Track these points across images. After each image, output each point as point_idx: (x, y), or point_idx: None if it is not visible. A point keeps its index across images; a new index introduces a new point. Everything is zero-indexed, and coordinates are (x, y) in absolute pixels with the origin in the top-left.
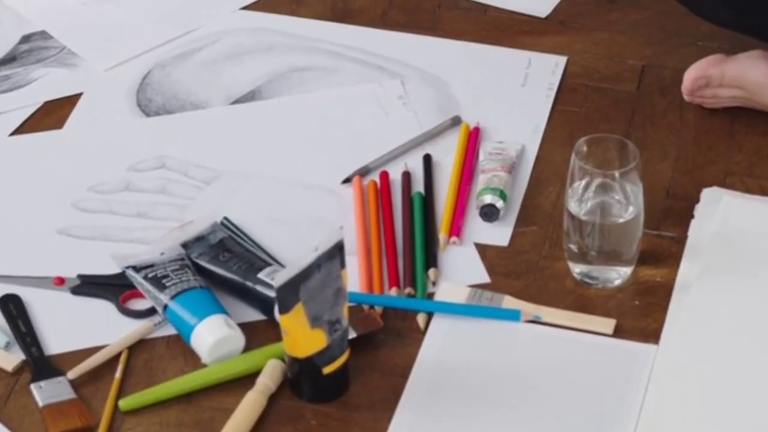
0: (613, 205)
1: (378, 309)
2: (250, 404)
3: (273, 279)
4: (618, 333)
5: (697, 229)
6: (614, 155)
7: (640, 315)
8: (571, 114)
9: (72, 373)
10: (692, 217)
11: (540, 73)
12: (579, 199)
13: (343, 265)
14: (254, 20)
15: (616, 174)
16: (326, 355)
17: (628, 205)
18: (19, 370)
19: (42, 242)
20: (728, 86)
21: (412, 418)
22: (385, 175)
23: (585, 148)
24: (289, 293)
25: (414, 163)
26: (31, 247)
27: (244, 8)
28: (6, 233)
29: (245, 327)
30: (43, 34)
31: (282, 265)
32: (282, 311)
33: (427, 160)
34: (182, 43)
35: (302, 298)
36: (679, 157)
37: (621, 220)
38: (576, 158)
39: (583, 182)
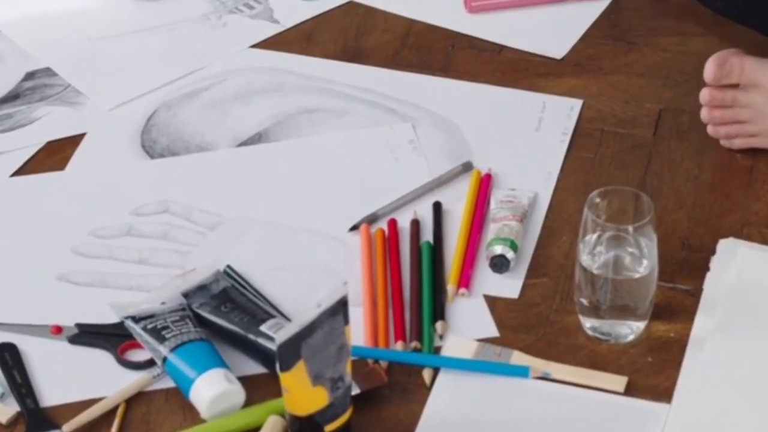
0: (627, 258)
1: (383, 363)
2: None
3: (275, 332)
4: (629, 391)
5: (712, 282)
6: (628, 207)
7: (653, 372)
8: (585, 160)
9: (67, 427)
10: (708, 269)
11: (554, 117)
12: (591, 252)
13: (346, 321)
14: (263, 59)
15: (630, 228)
16: (328, 413)
17: (642, 258)
18: (14, 422)
19: (40, 289)
20: (746, 86)
21: None
22: (393, 223)
23: (598, 201)
24: (291, 351)
25: (423, 211)
26: (29, 294)
27: (254, 46)
28: (4, 278)
29: (246, 380)
30: (48, 71)
31: (285, 317)
32: (283, 369)
33: (437, 207)
34: (189, 82)
35: (304, 355)
36: (695, 205)
37: (635, 276)
38: (589, 211)
39: (596, 235)
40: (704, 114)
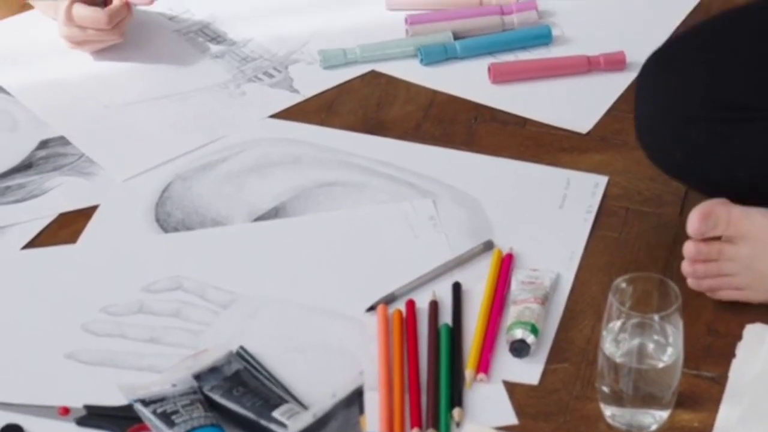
0: (651, 346)
1: None
2: None
3: (288, 419)
4: None
5: (738, 369)
6: (654, 292)
7: None
8: (609, 240)
9: None
10: (734, 355)
11: (579, 194)
12: (615, 339)
13: (361, 411)
14: (282, 130)
15: (656, 317)
16: None
17: (667, 346)
18: None
19: (48, 367)
20: (733, 237)
21: None
22: (411, 304)
23: (623, 287)
24: None
25: (442, 291)
26: (36, 372)
27: (272, 116)
28: (11, 356)
29: None
30: (62, 140)
31: (299, 401)
32: None
33: (456, 289)
34: (205, 153)
35: None
36: None
37: (660, 365)
38: (613, 298)
39: (620, 322)
40: (686, 267)
